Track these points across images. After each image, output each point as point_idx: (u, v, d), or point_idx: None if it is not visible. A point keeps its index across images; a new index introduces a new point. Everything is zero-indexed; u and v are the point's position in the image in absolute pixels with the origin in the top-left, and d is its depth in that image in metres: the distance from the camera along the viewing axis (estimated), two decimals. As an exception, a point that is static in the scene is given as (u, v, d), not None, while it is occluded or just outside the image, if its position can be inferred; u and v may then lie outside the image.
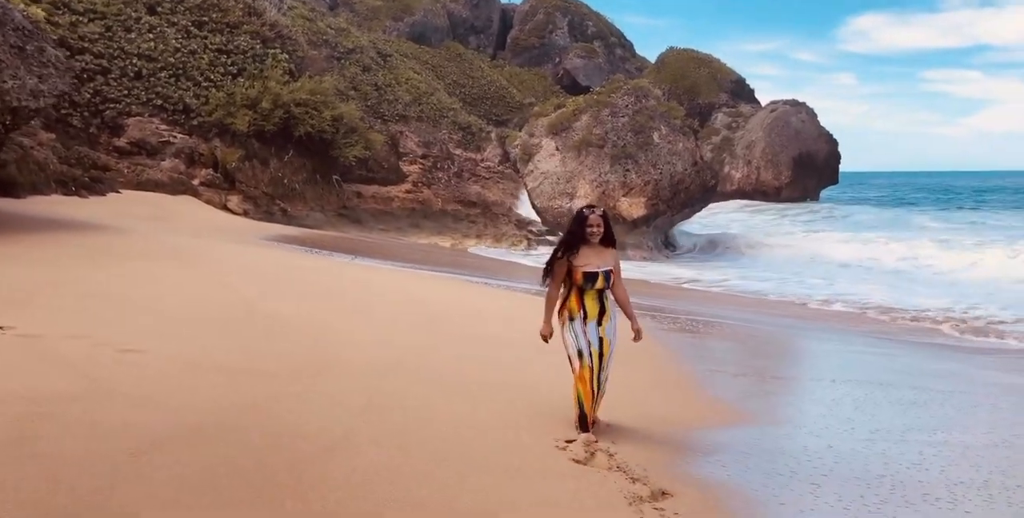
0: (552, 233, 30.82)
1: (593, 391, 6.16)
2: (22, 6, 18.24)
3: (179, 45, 28.87)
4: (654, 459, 5.88)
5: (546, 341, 6.34)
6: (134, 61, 27.72)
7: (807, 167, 52.40)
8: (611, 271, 6.25)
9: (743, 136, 53.33)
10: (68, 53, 23.04)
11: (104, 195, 23.61)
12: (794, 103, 54.13)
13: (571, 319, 6.21)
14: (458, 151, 38.24)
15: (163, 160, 27.38)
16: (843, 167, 56.11)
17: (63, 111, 24.92)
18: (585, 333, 6.16)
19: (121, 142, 27.00)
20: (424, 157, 36.12)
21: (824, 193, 57.53)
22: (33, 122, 20.41)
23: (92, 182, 23.57)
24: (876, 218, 45.70)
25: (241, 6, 30.84)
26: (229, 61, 29.76)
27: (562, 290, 6.30)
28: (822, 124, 54.08)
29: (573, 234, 6.28)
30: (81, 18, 26.94)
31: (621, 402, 7.26)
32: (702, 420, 7.24)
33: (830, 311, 17.72)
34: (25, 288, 9.26)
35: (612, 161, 29.47)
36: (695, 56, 56.72)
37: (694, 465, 5.91)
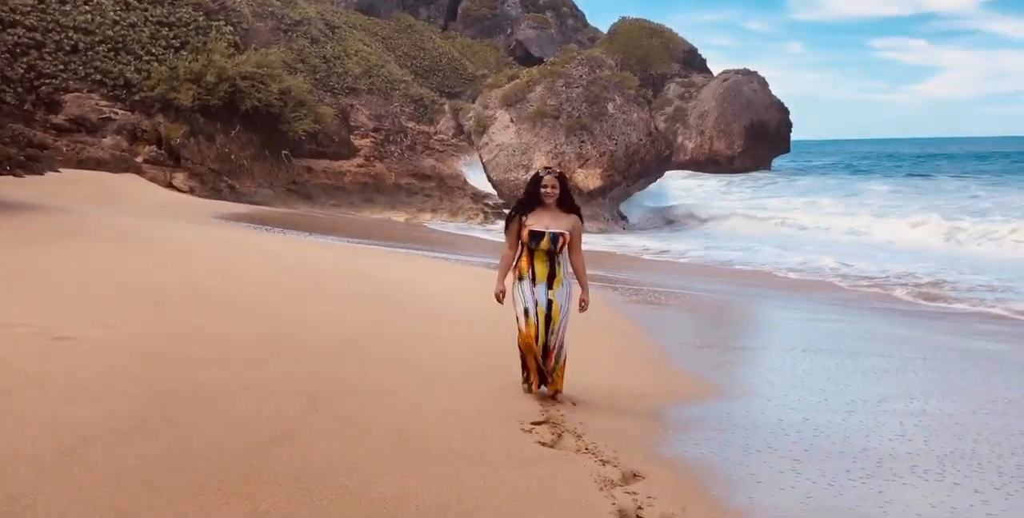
0: (509, 206, 30.45)
1: (537, 351, 6.22)
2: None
3: (117, 17, 27.87)
4: (624, 438, 5.61)
5: (499, 301, 6.35)
6: (70, 34, 26.71)
7: (759, 136, 52.45)
8: (561, 235, 6.21)
9: (696, 106, 53.16)
10: (-2, 26, 22.06)
11: (42, 174, 22.68)
12: (746, 72, 54.02)
13: (520, 279, 6.28)
14: (411, 124, 37.59)
15: (104, 137, 26.49)
16: (794, 136, 56.23)
17: (-5, 87, 23.96)
18: (533, 293, 6.22)
19: (59, 119, 26.06)
20: (376, 130, 35.43)
21: (776, 162, 57.70)
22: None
23: (28, 161, 22.60)
24: (823, 185, 45.97)
25: (182, -23, 29.84)
26: (171, 34, 28.84)
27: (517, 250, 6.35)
28: (773, 93, 54.14)
29: (528, 195, 6.32)
30: (12, -10, 25.85)
31: (586, 377, 7.01)
32: (670, 394, 6.98)
33: (794, 279, 17.67)
34: (-49, 273, 8.72)
35: (567, 132, 29.12)
36: (647, 26, 56.24)
37: (666, 444, 5.65)
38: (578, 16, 58.39)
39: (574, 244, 6.29)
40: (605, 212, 29.41)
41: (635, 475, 4.94)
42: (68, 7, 27.01)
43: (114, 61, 27.32)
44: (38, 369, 5.80)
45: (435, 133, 38.59)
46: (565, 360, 6.34)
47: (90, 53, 27.05)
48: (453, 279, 13.50)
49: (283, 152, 30.34)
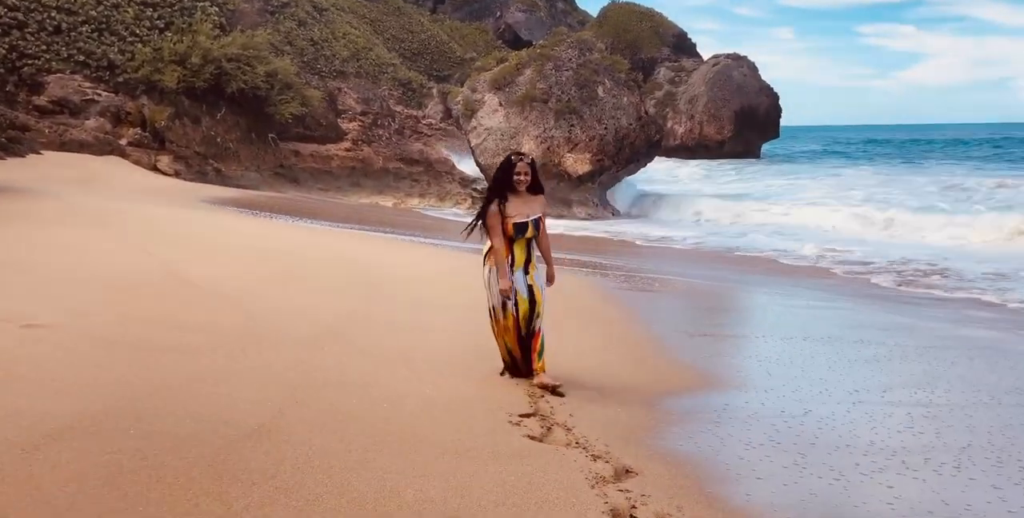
0: (497, 191, 30.06)
1: (513, 345, 6.22)
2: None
3: (101, -3, 27.34)
4: (615, 432, 5.40)
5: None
6: (52, 14, 26.22)
7: (749, 121, 52.20)
8: (540, 219, 6.27)
9: (686, 91, 52.88)
10: (-23, 5, 21.59)
11: (24, 157, 22.36)
12: (735, 57, 53.71)
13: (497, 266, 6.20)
14: (399, 108, 37.20)
15: (87, 119, 26.03)
16: (783, 121, 55.95)
17: (-25, 68, 23.49)
18: (512, 281, 6.15)
19: (41, 100, 25.59)
20: (364, 114, 35.01)
21: (765, 147, 57.47)
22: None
23: (10, 143, 22.28)
24: (810, 171, 45.69)
25: (166, -44, 29.31)
26: (155, 15, 28.36)
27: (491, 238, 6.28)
28: (763, 78, 53.85)
29: (500, 182, 6.21)
30: (-9, -32, 25.32)
31: (576, 367, 6.80)
32: (664, 385, 6.75)
33: (787, 265, 17.50)
34: (-79, 258, 8.43)
35: (557, 116, 28.77)
36: (637, 10, 55.87)
37: (660, 437, 5.42)
38: (567, -1, 58.00)
39: (542, 224, 6.35)
40: (594, 197, 29.12)
41: (628, 471, 4.73)
42: (50, -14, 26.51)
43: (97, 42, 26.83)
44: (6, 359, 5.54)
45: (423, 117, 38.21)
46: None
47: (73, 33, 26.55)
48: (440, 265, 13.24)
49: (270, 135, 29.93)
